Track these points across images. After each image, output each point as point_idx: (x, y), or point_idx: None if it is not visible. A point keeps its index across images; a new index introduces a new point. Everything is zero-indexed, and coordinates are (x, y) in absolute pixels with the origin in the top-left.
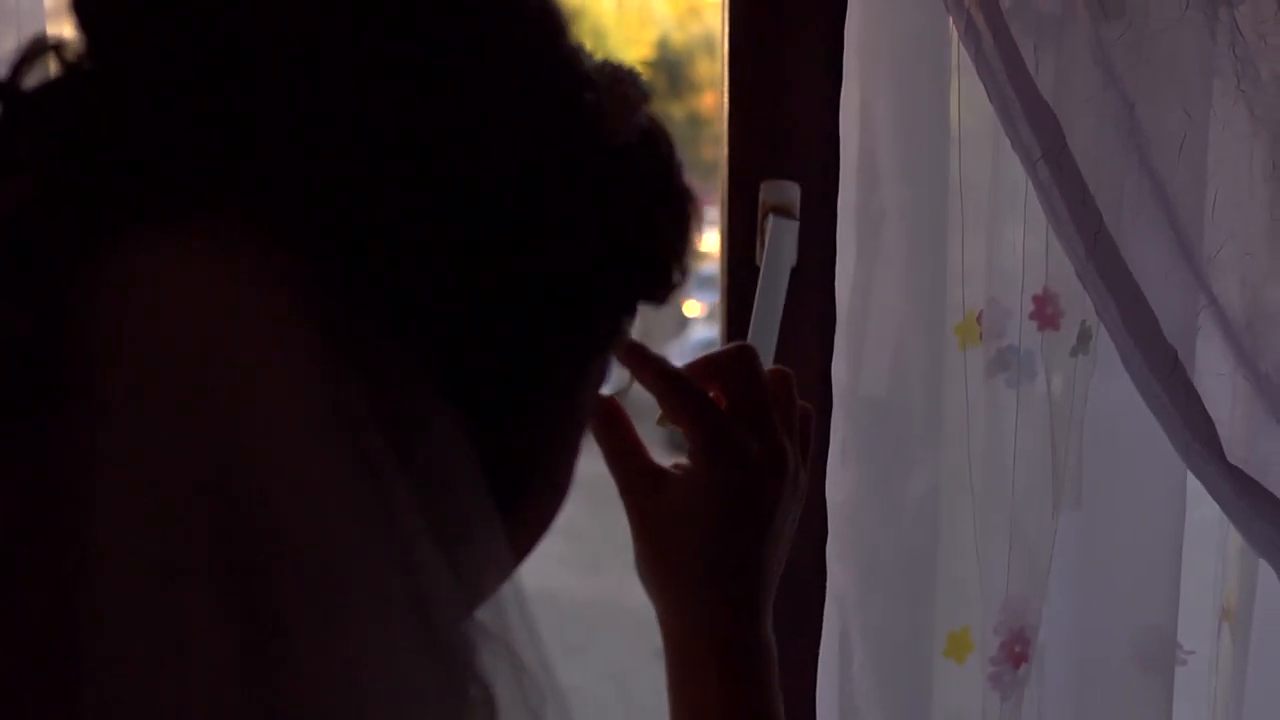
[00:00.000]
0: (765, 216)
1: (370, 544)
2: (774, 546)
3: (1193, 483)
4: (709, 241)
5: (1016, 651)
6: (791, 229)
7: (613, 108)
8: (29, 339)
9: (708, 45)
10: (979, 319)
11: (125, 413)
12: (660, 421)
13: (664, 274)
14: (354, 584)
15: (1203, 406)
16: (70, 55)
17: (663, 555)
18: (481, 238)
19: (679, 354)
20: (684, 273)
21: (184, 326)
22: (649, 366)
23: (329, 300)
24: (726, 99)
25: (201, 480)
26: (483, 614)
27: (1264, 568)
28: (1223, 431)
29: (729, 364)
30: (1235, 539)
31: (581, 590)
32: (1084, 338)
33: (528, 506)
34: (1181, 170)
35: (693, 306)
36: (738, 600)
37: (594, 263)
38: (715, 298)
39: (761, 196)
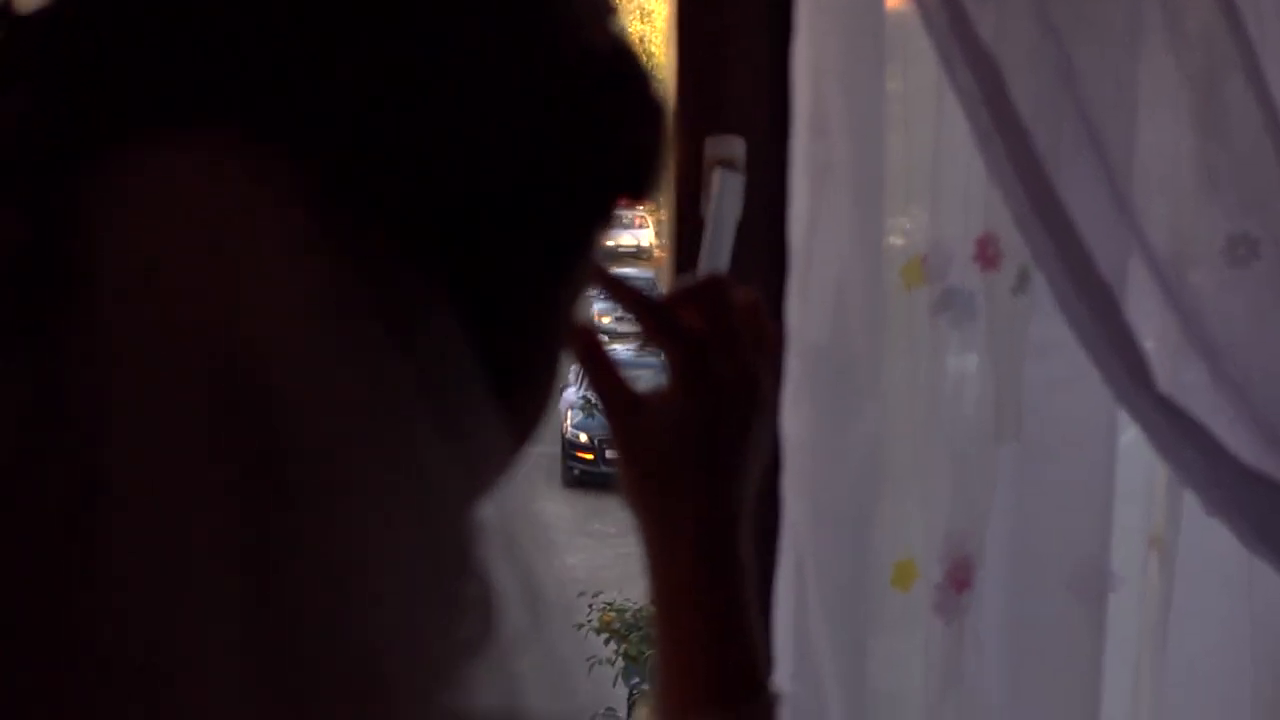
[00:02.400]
0: (711, 171)
1: (372, 431)
2: (748, 460)
3: (1121, 417)
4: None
5: (959, 578)
6: (737, 183)
7: (587, 16)
8: (33, 243)
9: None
10: (923, 262)
11: (131, 310)
12: (641, 346)
13: (641, 174)
14: (356, 470)
15: (1136, 342)
16: None
17: (645, 473)
18: (471, 139)
19: None
20: (659, 175)
21: (186, 225)
22: (630, 294)
23: (327, 201)
24: (675, 55)
25: (208, 373)
26: (488, 513)
27: (1189, 497)
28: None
29: (703, 291)
30: (1162, 471)
31: None
32: (1023, 278)
33: (519, 402)
34: (1114, 120)
35: None
36: (714, 513)
37: (577, 162)
38: None
39: (707, 152)
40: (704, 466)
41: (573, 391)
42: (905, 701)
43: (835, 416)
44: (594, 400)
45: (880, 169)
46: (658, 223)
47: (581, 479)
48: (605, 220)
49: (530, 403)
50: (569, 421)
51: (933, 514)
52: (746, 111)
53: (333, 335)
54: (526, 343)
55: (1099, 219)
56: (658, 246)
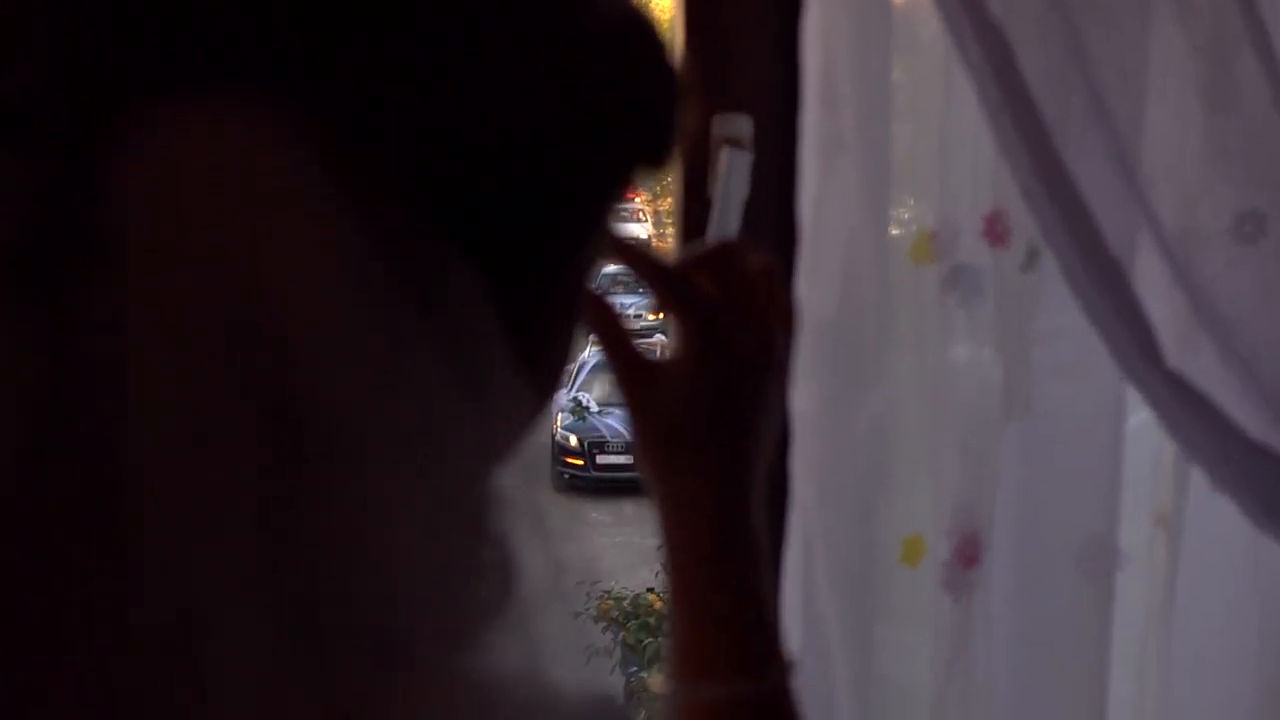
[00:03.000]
0: (719, 150)
1: (391, 389)
2: (763, 427)
3: (1129, 395)
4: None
5: (968, 554)
6: (745, 160)
7: None
8: (52, 204)
9: None
10: (932, 238)
11: (150, 271)
12: (654, 311)
13: (657, 141)
14: (374, 427)
15: (1145, 317)
16: None
17: (659, 440)
18: (489, 101)
19: None
20: (674, 142)
21: (206, 186)
22: (643, 260)
23: (345, 162)
24: (683, 33)
25: (226, 330)
26: (509, 480)
27: (1196, 476)
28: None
29: (716, 257)
30: (1169, 449)
31: None
32: (1032, 256)
33: (536, 365)
34: (1123, 93)
35: None
36: (729, 479)
37: (594, 126)
38: None
39: (714, 130)
40: (718, 433)
41: (562, 394)
42: (913, 678)
43: (844, 394)
44: (584, 403)
45: (889, 146)
46: (655, 215)
47: (572, 484)
48: (622, 186)
49: (546, 366)
50: (559, 423)
51: (941, 491)
52: (755, 89)
53: (351, 294)
54: (543, 306)
55: (1107, 193)
56: (656, 237)
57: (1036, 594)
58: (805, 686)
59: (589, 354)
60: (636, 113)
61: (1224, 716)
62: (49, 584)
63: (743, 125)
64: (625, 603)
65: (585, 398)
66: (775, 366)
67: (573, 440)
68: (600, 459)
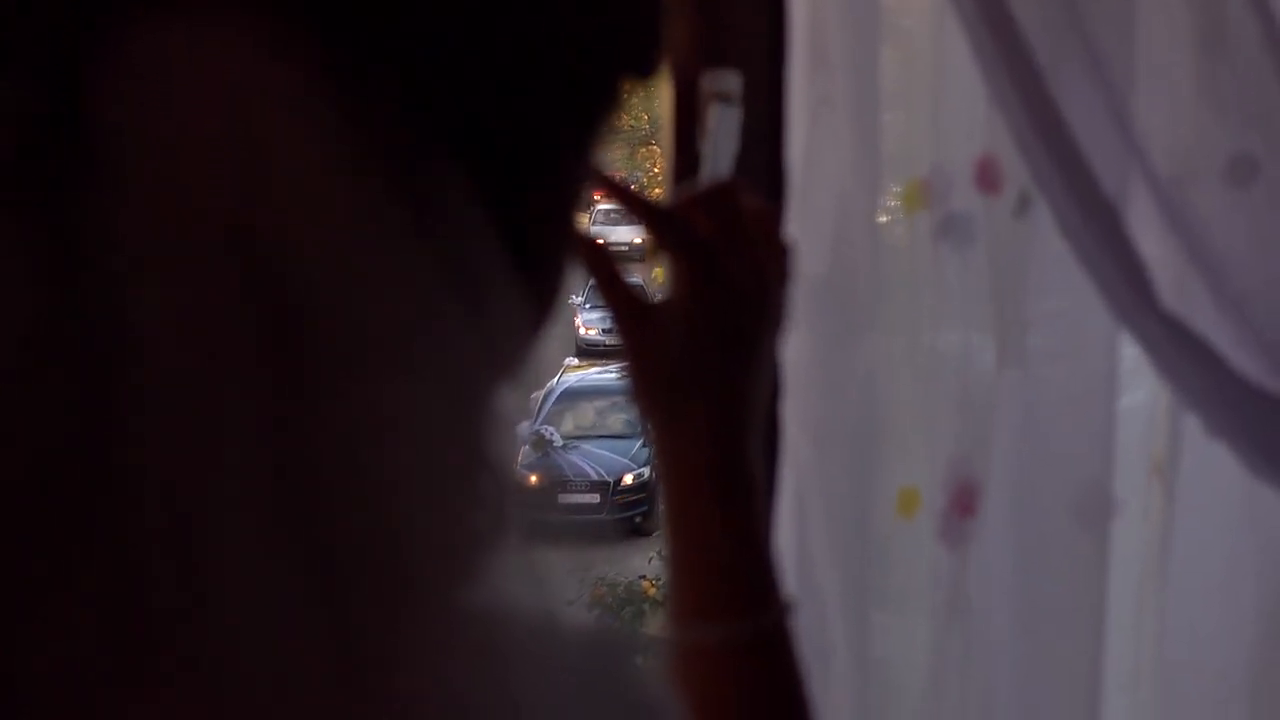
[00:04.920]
0: (708, 106)
1: (392, 304)
2: (759, 366)
3: (1123, 341)
4: None
5: (964, 504)
6: (734, 116)
7: None
8: (45, 122)
9: None
10: (924, 186)
11: (147, 186)
12: (650, 253)
13: (644, 49)
14: (376, 343)
15: (1139, 261)
16: None
17: (656, 380)
18: (481, 13)
19: None
20: (660, 53)
21: (201, 100)
22: (637, 200)
23: (345, 81)
24: None
25: (226, 245)
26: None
27: (1191, 424)
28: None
29: (712, 196)
30: (1164, 397)
31: None
32: (1024, 202)
33: (534, 285)
34: (1114, 34)
35: None
36: (726, 418)
37: (582, 37)
38: None
39: (703, 86)
40: (715, 371)
41: (524, 426)
42: (910, 629)
43: (836, 344)
44: (547, 437)
45: (878, 99)
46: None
47: (530, 528)
48: (611, 102)
49: (543, 285)
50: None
51: (935, 441)
52: (744, 44)
53: (349, 206)
54: (538, 223)
55: (1099, 136)
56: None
57: (1033, 544)
58: (802, 636)
59: (555, 383)
60: (622, 21)
61: (1221, 666)
62: (48, 501)
63: (732, 81)
64: (619, 589)
65: (549, 431)
66: (771, 306)
67: (534, 479)
68: (563, 499)
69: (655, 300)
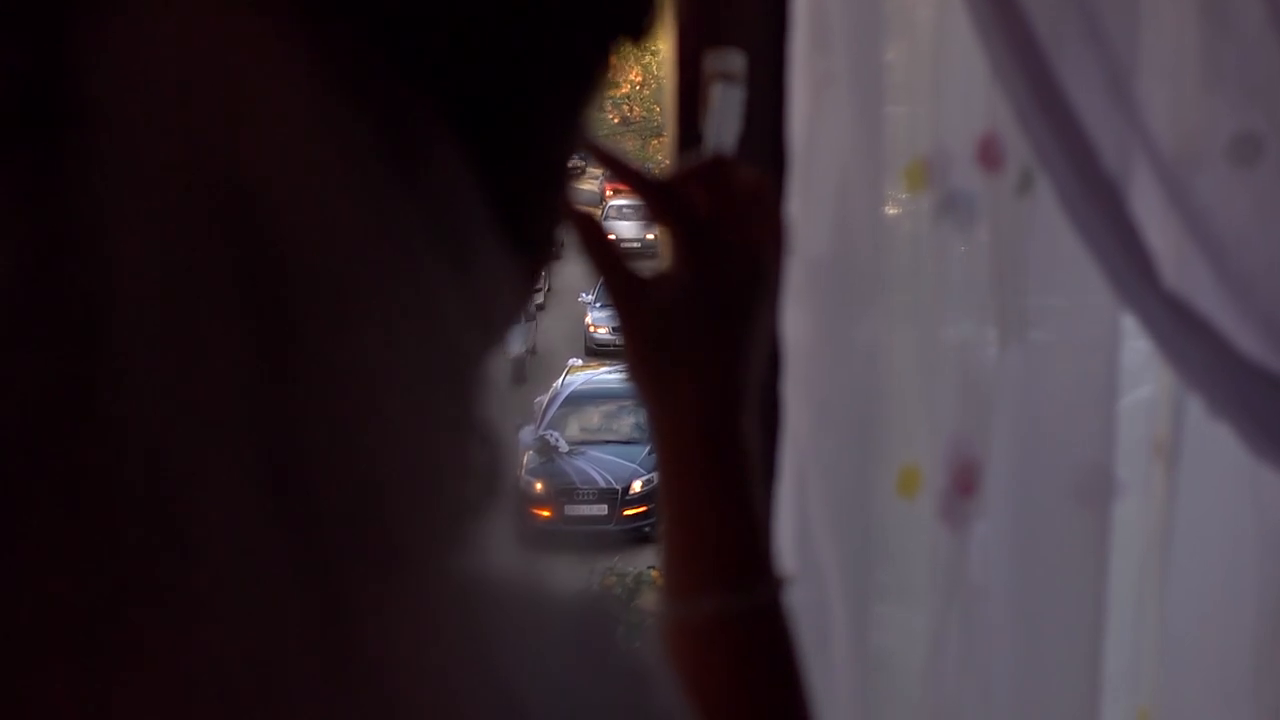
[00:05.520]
0: (711, 85)
1: (376, 258)
2: (752, 339)
3: (1126, 323)
4: None
5: (965, 482)
6: (737, 95)
7: None
8: (26, 77)
9: None
10: (926, 164)
11: (129, 140)
12: (646, 224)
13: (638, 9)
14: (361, 298)
15: (1141, 239)
16: None
17: (650, 351)
18: None
19: None
20: (655, 13)
21: (183, 54)
22: (633, 171)
23: (328, 31)
24: None
25: (209, 199)
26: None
27: (1194, 406)
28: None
29: (708, 169)
30: (1166, 379)
31: None
32: (1026, 180)
33: (521, 245)
34: (1117, 13)
35: None
36: (718, 388)
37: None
38: None
39: (706, 66)
40: (708, 341)
41: (528, 431)
42: (910, 610)
43: (838, 322)
44: (553, 442)
45: (881, 77)
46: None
47: (537, 538)
48: (603, 62)
49: (532, 247)
50: (523, 466)
51: (937, 420)
52: (747, 24)
53: (334, 161)
54: (528, 183)
55: (1101, 113)
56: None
57: (1034, 524)
58: (801, 618)
59: (560, 386)
60: None
61: (1222, 647)
62: (26, 453)
63: (735, 60)
64: (628, 579)
65: (555, 436)
66: (766, 279)
67: (538, 487)
68: (570, 510)
69: (649, 273)
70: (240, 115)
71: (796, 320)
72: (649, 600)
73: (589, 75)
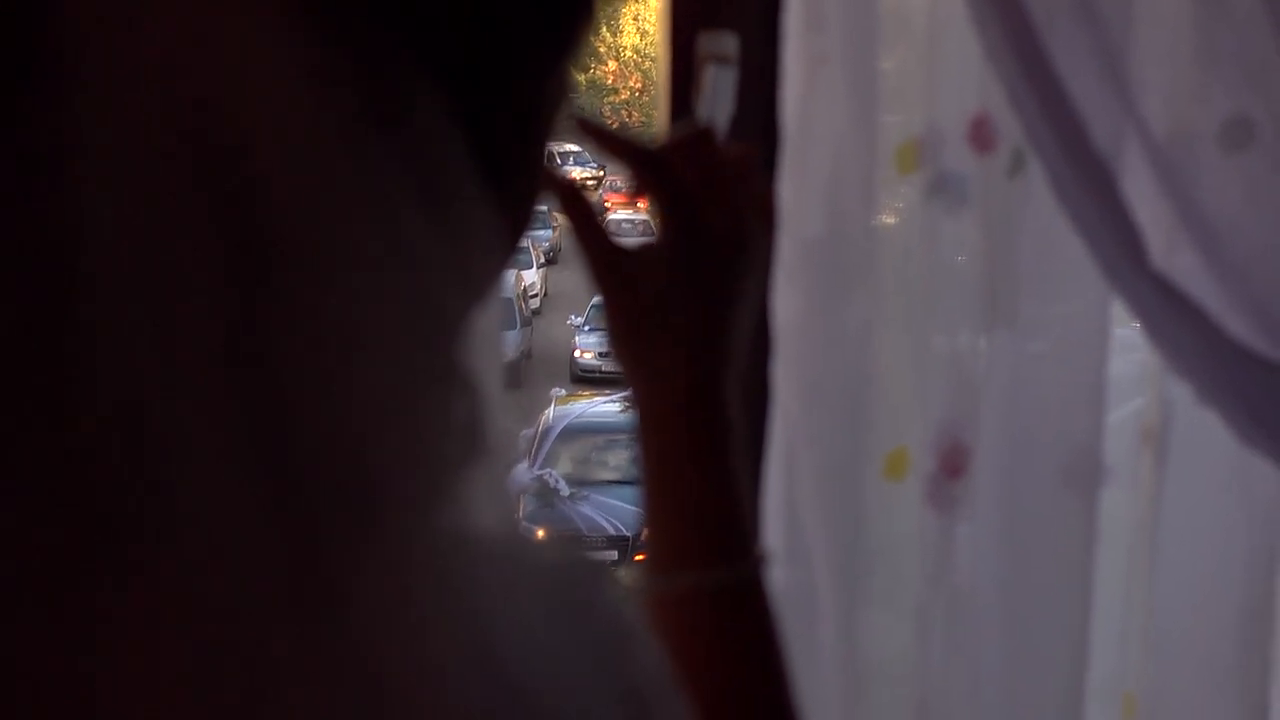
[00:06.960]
0: (704, 67)
1: (357, 212)
2: (737, 314)
3: (1115, 309)
4: None
5: (952, 465)
6: (730, 76)
7: None
8: (9, 29)
9: None
10: (918, 145)
11: (110, 90)
12: (630, 195)
13: None
14: (342, 252)
15: (1131, 220)
16: None
17: (632, 322)
18: None
19: None
20: None
21: (166, 8)
22: (619, 141)
23: None
24: None
25: (189, 151)
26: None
27: (1182, 393)
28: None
29: (695, 142)
30: (1155, 364)
31: None
32: (1017, 161)
33: (504, 202)
34: None
35: None
36: (701, 362)
37: None
38: None
39: (699, 48)
40: (692, 314)
41: (524, 470)
42: (897, 593)
43: (828, 303)
44: (552, 484)
45: (875, 59)
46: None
47: None
48: (585, 15)
49: (515, 203)
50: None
51: (926, 403)
52: (740, 5)
53: (314, 112)
54: (511, 139)
55: (1094, 95)
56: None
57: (1021, 508)
58: (787, 601)
59: (549, 419)
60: None
61: (1209, 634)
62: None
63: (728, 42)
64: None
65: (553, 477)
66: (750, 252)
67: (540, 534)
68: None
69: (631, 244)
70: (220, 64)
71: (788, 300)
72: (630, 575)
73: (571, 27)
